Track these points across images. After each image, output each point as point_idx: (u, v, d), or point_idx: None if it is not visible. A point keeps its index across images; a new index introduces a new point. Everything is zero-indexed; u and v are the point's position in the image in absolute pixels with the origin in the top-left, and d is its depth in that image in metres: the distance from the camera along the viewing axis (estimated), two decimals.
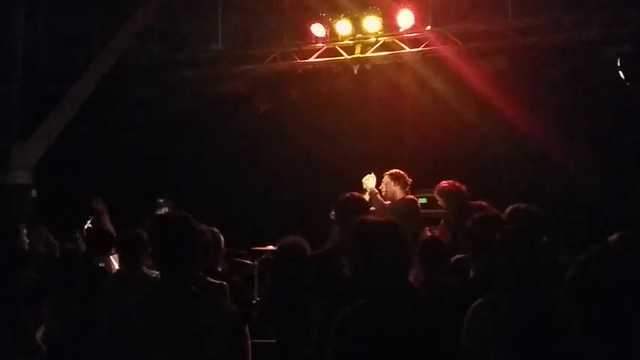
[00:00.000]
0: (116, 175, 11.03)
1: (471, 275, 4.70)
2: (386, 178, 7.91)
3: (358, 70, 10.54)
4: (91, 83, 10.67)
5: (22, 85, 10.36)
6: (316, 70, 10.82)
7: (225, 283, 4.85)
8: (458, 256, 5.46)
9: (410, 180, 7.93)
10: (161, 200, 8.86)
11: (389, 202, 7.75)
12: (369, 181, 7.84)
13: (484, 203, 6.51)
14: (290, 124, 11.05)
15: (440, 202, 7.64)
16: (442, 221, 7.69)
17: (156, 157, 11.37)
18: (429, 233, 7.31)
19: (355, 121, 10.94)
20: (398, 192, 7.86)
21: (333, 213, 6.24)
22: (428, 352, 3.19)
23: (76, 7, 10.73)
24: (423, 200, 9.72)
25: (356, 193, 5.88)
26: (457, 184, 7.49)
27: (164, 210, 8.80)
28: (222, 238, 5.74)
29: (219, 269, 5.69)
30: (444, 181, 7.57)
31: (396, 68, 10.62)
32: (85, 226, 8.25)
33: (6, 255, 4.16)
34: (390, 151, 10.42)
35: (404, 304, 3.25)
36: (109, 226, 7.92)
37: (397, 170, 7.98)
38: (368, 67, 10.52)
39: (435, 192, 7.71)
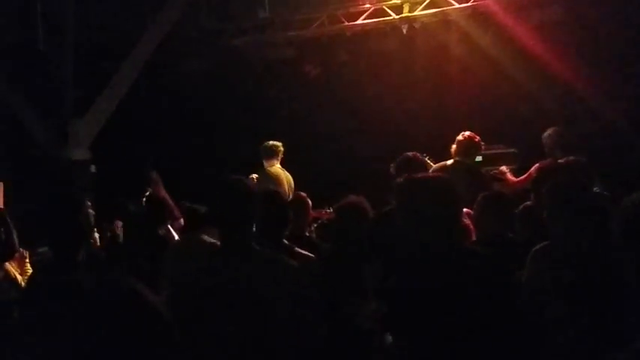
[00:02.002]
0: (171, 147, 11.15)
1: None
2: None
3: (407, 30, 10.44)
4: (143, 57, 10.77)
5: (75, 62, 10.51)
6: (365, 31, 10.74)
7: (312, 255, 4.68)
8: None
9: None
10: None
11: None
12: None
13: None
14: (340, 87, 11.02)
15: None
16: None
17: (209, 127, 11.47)
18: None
19: (406, 81, 10.86)
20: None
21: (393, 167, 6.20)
22: (476, 306, 3.21)
23: None
24: (479, 158, 9.69)
25: (413, 153, 5.88)
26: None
27: None
28: (310, 203, 5.79)
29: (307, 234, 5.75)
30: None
31: (444, 26, 10.49)
32: (144, 197, 8.37)
33: (72, 228, 4.22)
34: (440, 110, 10.35)
35: (451, 259, 3.26)
36: (165, 195, 8.01)
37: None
38: (417, 25, 10.41)
39: None
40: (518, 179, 7.96)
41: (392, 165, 5.99)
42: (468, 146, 7.70)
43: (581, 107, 9.81)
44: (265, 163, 8.77)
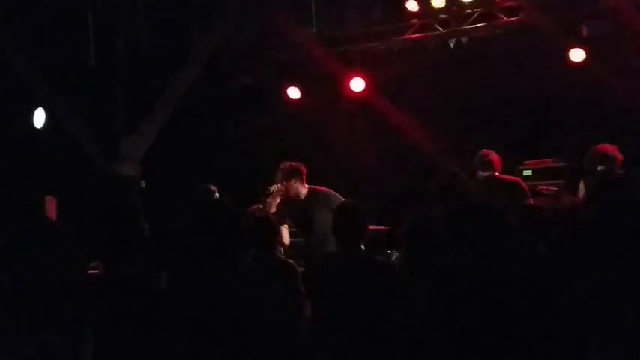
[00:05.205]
0: (221, 164, 11.25)
1: None
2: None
3: (455, 44, 10.39)
4: (193, 73, 10.89)
5: (126, 78, 10.67)
6: (412, 46, 10.73)
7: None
8: None
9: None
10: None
11: None
12: None
13: None
14: (387, 102, 11.01)
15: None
16: None
17: (260, 141, 11.55)
18: None
19: (454, 96, 10.81)
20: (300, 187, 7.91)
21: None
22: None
23: None
24: (528, 172, 9.63)
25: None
26: None
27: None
28: None
29: None
30: None
31: (493, 40, 10.42)
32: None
33: (126, 240, 4.30)
34: (489, 124, 10.30)
35: None
36: None
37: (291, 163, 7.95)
38: (464, 40, 10.36)
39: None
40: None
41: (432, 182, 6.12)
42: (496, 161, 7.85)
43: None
44: None
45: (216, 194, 8.55)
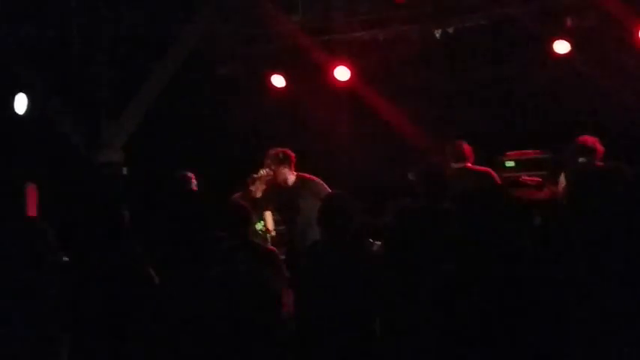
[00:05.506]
0: (203, 152, 11.19)
1: None
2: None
3: (440, 35, 10.36)
4: (177, 60, 10.81)
5: (109, 65, 10.59)
6: (398, 36, 10.69)
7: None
8: None
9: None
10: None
11: None
12: None
13: None
14: (373, 92, 10.98)
15: None
16: None
17: (243, 131, 11.50)
18: None
19: (439, 86, 10.81)
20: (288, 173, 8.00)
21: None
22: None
23: None
24: (511, 163, 9.66)
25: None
26: None
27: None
28: None
29: None
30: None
31: (478, 31, 10.40)
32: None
33: (109, 231, 4.27)
34: (473, 114, 10.34)
35: None
36: None
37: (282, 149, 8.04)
38: (450, 30, 10.33)
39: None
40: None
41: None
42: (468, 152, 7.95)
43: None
44: None
45: (194, 181, 8.52)
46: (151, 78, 10.76)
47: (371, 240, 8.11)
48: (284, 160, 8.08)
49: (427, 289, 3.72)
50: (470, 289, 3.50)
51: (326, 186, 7.98)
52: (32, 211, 9.94)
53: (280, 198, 8.23)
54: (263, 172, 8.13)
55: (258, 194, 8.12)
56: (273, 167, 8.06)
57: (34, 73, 10.74)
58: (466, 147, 8.02)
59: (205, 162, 10.58)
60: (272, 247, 6.45)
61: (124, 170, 10.67)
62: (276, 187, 8.19)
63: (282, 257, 6.32)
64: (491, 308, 3.44)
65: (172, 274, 4.21)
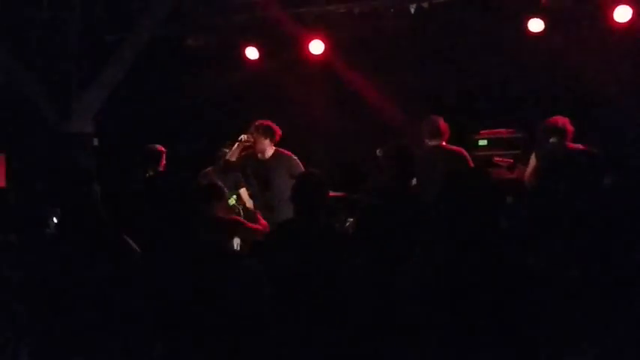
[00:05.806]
0: (176, 124, 11.12)
1: None
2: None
3: (415, 9, 10.30)
4: (148, 31, 10.67)
5: (80, 35, 10.43)
6: (373, 10, 10.62)
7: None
8: None
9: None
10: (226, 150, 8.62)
11: None
12: None
13: None
14: (347, 66, 10.94)
15: None
16: None
17: (215, 104, 11.42)
18: None
19: (413, 61, 10.77)
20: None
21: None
22: None
23: None
24: (484, 142, 9.69)
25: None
26: None
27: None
28: None
29: None
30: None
31: (454, 7, 10.35)
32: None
33: (78, 201, 4.22)
34: (448, 91, 10.33)
35: None
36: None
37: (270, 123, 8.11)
38: (425, 5, 10.27)
39: None
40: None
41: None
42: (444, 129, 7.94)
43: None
44: None
45: (164, 155, 8.51)
46: (121, 48, 10.61)
47: (345, 218, 8.15)
48: (267, 132, 8.10)
49: (408, 274, 3.68)
50: (454, 273, 3.46)
51: (301, 165, 7.98)
52: (1, 181, 9.85)
53: (254, 170, 8.25)
54: (244, 137, 8.15)
55: (233, 158, 8.15)
56: (255, 135, 8.09)
57: (2, 44, 10.54)
58: (442, 123, 7.99)
59: (176, 134, 10.53)
60: (237, 217, 6.52)
61: (95, 141, 10.57)
62: (252, 156, 8.21)
63: None
64: (475, 290, 3.41)
65: (145, 249, 4.20)
